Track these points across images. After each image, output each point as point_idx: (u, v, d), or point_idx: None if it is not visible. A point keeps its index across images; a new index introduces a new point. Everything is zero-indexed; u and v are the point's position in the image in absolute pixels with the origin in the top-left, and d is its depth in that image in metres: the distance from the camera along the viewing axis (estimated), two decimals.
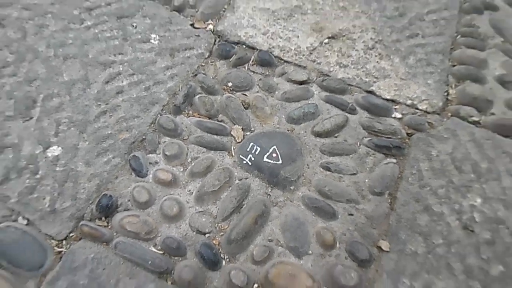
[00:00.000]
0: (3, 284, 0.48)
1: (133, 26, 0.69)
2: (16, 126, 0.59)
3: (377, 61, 0.69)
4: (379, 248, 0.55)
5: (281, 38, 0.70)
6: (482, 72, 0.72)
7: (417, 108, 0.66)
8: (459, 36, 0.77)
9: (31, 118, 0.59)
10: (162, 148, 0.59)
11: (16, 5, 0.70)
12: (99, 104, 0.61)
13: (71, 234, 0.53)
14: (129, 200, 0.55)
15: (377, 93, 0.67)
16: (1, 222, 0.53)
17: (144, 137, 0.60)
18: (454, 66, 0.73)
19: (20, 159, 0.56)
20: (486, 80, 0.72)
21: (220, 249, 0.52)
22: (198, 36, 0.69)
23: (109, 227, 0.53)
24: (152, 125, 0.61)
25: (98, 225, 0.53)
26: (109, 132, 0.59)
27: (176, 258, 0.51)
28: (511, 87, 0.72)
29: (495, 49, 0.77)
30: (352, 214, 0.56)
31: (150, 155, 0.58)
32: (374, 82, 0.67)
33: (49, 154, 0.57)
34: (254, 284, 0.51)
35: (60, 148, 0.57)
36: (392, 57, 0.69)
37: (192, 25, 0.70)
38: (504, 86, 0.71)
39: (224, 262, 0.52)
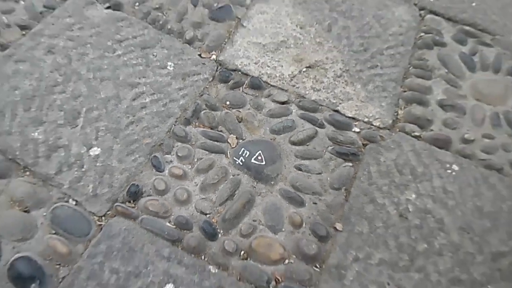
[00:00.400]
0: (60, 245, 0.67)
1: (153, 55, 0.88)
2: (66, 132, 0.77)
3: (343, 87, 0.88)
4: (335, 228, 0.73)
5: (268, 67, 0.89)
6: (427, 97, 0.91)
7: (372, 125, 0.85)
8: (411, 68, 0.95)
9: (77, 125, 0.78)
10: (175, 151, 0.78)
11: (62, 36, 0.89)
12: (128, 116, 0.80)
13: (108, 212, 0.71)
14: (150, 189, 0.73)
15: (342, 112, 0.85)
16: (57, 202, 0.72)
17: (162, 142, 0.78)
18: (404, 92, 0.91)
19: (70, 156, 0.75)
20: (429, 103, 0.91)
21: (217, 226, 0.71)
22: (204, 64, 0.88)
23: (136, 208, 0.72)
24: (168, 133, 0.79)
25: (128, 206, 0.72)
26: (136, 137, 0.78)
27: (185, 231, 0.70)
28: (448, 109, 0.91)
29: (440, 78, 0.95)
30: (316, 203, 0.74)
31: (166, 155, 0.77)
32: (340, 103, 0.85)
33: (91, 153, 0.75)
34: (241, 251, 0.70)
35: (99, 149, 0.76)
36: (355, 84, 0.88)
37: (199, 55, 0.89)
38: (443, 108, 0.90)
39: (219, 235, 0.70)
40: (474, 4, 1.08)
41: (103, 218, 0.70)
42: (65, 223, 0.68)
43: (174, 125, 0.80)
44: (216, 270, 0.67)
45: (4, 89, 0.79)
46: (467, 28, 1.03)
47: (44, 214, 0.69)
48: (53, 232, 0.68)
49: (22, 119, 0.77)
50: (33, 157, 0.73)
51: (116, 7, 0.94)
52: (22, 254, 0.65)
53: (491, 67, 0.97)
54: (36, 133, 0.75)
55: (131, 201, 0.71)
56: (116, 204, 0.71)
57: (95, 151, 0.75)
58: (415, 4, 1.05)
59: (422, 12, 1.05)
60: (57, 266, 0.66)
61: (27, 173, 0.73)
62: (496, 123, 0.88)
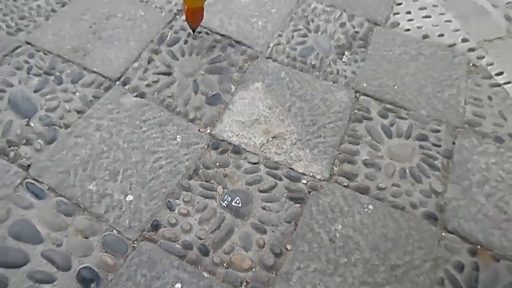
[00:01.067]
0: (109, 259, 1.03)
1: (167, 130, 1.28)
2: (110, 185, 1.16)
3: (297, 151, 1.27)
4: (286, 248, 1.09)
5: (245, 137, 1.29)
6: (355, 158, 1.30)
7: (315, 178, 1.23)
8: (345, 136, 1.35)
9: (117, 180, 1.16)
10: (182, 197, 1.16)
11: (106, 118, 1.29)
12: (151, 174, 1.18)
13: (138, 238, 1.08)
14: (166, 222, 1.10)
15: (295, 169, 1.24)
16: (105, 232, 1.09)
17: (173, 191, 1.17)
18: (339, 154, 1.31)
19: (113, 201, 1.13)
20: (356, 162, 1.30)
21: (209, 247, 1.07)
22: (202, 136, 1.28)
23: (156, 235, 1.08)
24: (177, 185, 1.18)
25: (151, 234, 1.09)
26: (156, 188, 1.16)
27: (188, 250, 1.06)
28: (369, 166, 1.29)
29: (365, 144, 1.35)
30: (274, 232, 1.11)
31: (176, 200, 1.15)
32: (294, 163, 1.25)
33: (127, 199, 1.13)
34: (224, 263, 1.05)
35: (132, 196, 1.14)
36: (305, 149, 1.28)
37: (198, 130, 1.29)
38: (366, 165, 1.29)
39: (211, 253, 1.06)
40: (396, 87, 1.50)
41: (135, 242, 1.07)
42: (111, 245, 1.05)
43: (181, 180, 1.18)
44: (208, 275, 1.03)
45: (69, 156, 1.19)
46: (389, 105, 1.44)
47: (97, 239, 1.06)
48: (104, 251, 1.05)
49: (81, 177, 1.16)
50: (89, 202, 1.12)
51: (141, 95, 1.35)
52: (85, 265, 1.02)
53: (403, 134, 1.37)
54: (91, 186, 1.14)
55: (153, 231, 1.09)
56: (143, 232, 1.08)
57: (130, 197, 1.13)
58: (353, 88, 1.48)
59: (357, 94, 1.46)
60: (107, 273, 1.02)
61: (86, 212, 1.11)
62: (402, 176, 1.27)
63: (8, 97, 1.28)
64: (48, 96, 1.29)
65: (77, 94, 1.31)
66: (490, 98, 1.50)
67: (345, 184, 1.21)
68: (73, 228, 1.05)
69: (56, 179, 1.13)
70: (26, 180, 1.12)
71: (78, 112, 1.27)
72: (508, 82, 1.58)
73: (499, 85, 1.56)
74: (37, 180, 1.12)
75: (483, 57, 1.65)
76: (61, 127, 1.23)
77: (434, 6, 1.82)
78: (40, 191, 1.10)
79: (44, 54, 1.39)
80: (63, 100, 1.29)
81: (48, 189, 1.11)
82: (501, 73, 1.60)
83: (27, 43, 1.42)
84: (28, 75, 1.33)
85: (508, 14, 1.87)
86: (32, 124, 1.23)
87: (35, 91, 1.30)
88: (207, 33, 1.52)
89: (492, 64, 1.63)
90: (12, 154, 1.16)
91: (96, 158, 1.17)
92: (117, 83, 1.35)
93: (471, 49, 1.67)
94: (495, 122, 1.43)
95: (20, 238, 1.02)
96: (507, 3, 1.94)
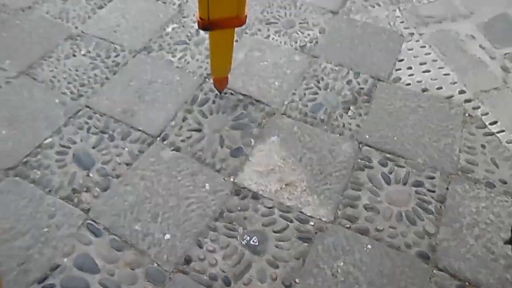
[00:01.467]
0: (150, 287, 1.29)
1: (198, 179, 1.54)
2: (152, 225, 1.42)
3: (306, 197, 1.50)
4: (295, 281, 1.29)
5: (263, 185, 1.52)
6: (356, 203, 1.50)
7: (321, 220, 1.44)
8: (349, 183, 1.57)
9: (157, 222, 1.42)
10: (209, 237, 1.40)
11: (148, 169, 1.57)
12: (184, 216, 1.44)
13: (174, 270, 1.32)
14: (196, 258, 1.35)
15: (304, 213, 1.46)
16: (148, 265, 1.34)
17: (202, 231, 1.41)
18: (343, 199, 1.52)
19: (154, 239, 1.38)
20: (358, 206, 1.50)
21: (231, 278, 1.30)
22: (226, 184, 1.53)
23: (188, 268, 1.32)
24: (205, 226, 1.43)
25: (184, 267, 1.33)
26: (188, 229, 1.41)
27: (213, 281, 1.28)
28: (369, 210, 1.49)
29: (366, 190, 1.55)
30: (285, 267, 1.33)
31: (204, 239, 1.38)
32: (303, 207, 1.46)
33: (166, 237, 1.37)
34: None
35: (169, 235, 1.38)
36: (313, 195, 1.50)
37: (223, 179, 1.55)
38: (366, 209, 1.48)
39: (232, 283, 1.29)
40: (395, 138, 1.70)
41: (172, 273, 1.31)
42: (152, 276, 1.29)
43: (209, 222, 1.43)
44: None
45: (119, 201, 1.47)
46: (388, 155, 1.64)
47: (142, 271, 1.31)
48: (147, 280, 1.28)
49: (129, 218, 1.43)
50: (136, 239, 1.38)
51: (177, 149, 1.63)
52: None
53: (401, 181, 1.56)
54: (137, 226, 1.41)
55: (186, 264, 1.33)
56: (178, 266, 1.32)
57: (167, 236, 1.39)
58: (357, 140, 1.70)
59: (360, 145, 1.68)
60: None
61: (133, 248, 1.37)
62: (399, 219, 1.45)
63: (72, 152, 1.59)
64: (103, 151, 1.60)
65: (126, 149, 1.61)
66: (483, 146, 1.68)
67: (348, 226, 1.41)
68: (122, 261, 1.32)
69: (110, 221, 1.41)
70: (87, 221, 1.40)
71: (127, 164, 1.56)
72: (502, 131, 1.75)
73: (492, 133, 1.73)
74: (95, 221, 1.40)
75: (479, 107, 1.83)
76: (113, 177, 1.52)
77: (434, 60, 2.04)
78: (97, 230, 1.38)
79: (100, 115, 1.71)
80: (115, 154, 1.59)
81: (103, 228, 1.39)
82: (495, 122, 1.78)
83: (87, 106, 1.75)
84: (88, 133, 1.65)
85: (505, 65, 2.05)
86: (91, 175, 1.53)
87: (93, 147, 1.61)
88: (231, 94, 1.81)
89: (487, 113, 1.81)
90: (76, 199, 1.46)
91: (140, 203, 1.45)
92: (158, 139, 1.64)
93: (468, 100, 1.86)
94: (487, 168, 1.60)
95: (82, 268, 1.29)
96: (505, 54, 2.13)
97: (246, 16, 1.25)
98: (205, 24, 1.21)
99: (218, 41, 1.39)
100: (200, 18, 1.19)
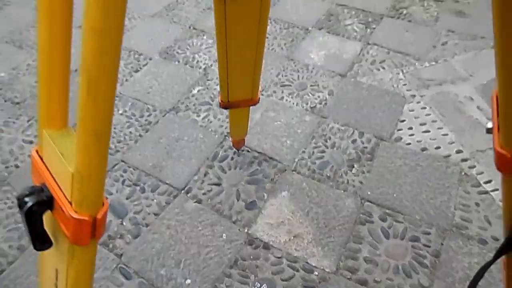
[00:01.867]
0: None
1: (216, 230, 1.76)
2: (175, 271, 1.62)
3: (311, 248, 1.67)
4: None
5: (273, 236, 1.72)
6: (357, 255, 1.67)
7: (324, 270, 1.61)
8: (351, 237, 1.74)
9: (180, 268, 1.63)
10: (225, 283, 1.59)
11: (173, 219, 1.80)
12: (203, 263, 1.64)
13: None
14: None
15: (309, 263, 1.62)
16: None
17: (218, 278, 1.60)
18: (345, 251, 1.69)
19: (176, 284, 1.59)
20: (358, 259, 1.67)
21: None
22: (241, 235, 1.74)
23: None
24: (221, 273, 1.62)
25: None
26: (207, 275, 1.61)
27: None
28: (368, 262, 1.65)
29: (366, 243, 1.72)
30: None
31: (220, 284, 1.58)
32: (309, 258, 1.64)
33: (186, 282, 1.58)
34: None
35: (190, 280, 1.59)
36: (318, 247, 1.68)
37: (239, 229, 1.76)
38: (366, 262, 1.64)
39: None
40: (395, 195, 1.88)
41: None
42: None
43: (225, 269, 1.62)
44: None
45: (148, 248, 1.69)
46: (388, 211, 1.82)
47: None
48: None
49: (155, 264, 1.64)
50: (161, 283, 1.58)
51: (199, 202, 1.86)
52: None
53: (399, 236, 1.72)
54: (162, 271, 1.61)
55: None
56: None
57: (188, 281, 1.58)
58: (359, 196, 1.88)
59: (362, 201, 1.86)
60: None
61: None
62: (395, 271, 1.61)
63: (109, 202, 1.84)
64: (135, 202, 1.84)
65: (155, 200, 1.85)
66: (477, 204, 1.83)
67: (348, 277, 1.58)
68: None
69: (139, 265, 1.62)
70: (119, 265, 1.62)
71: (155, 214, 1.79)
72: (496, 190, 1.90)
73: (486, 192, 1.88)
74: (126, 266, 1.62)
75: (474, 167, 2.00)
76: (143, 226, 1.75)
77: (433, 121, 2.24)
78: (128, 274, 1.59)
79: (133, 169, 1.97)
80: (145, 205, 1.83)
81: (133, 272, 1.60)
82: (489, 181, 1.94)
83: (122, 161, 2.02)
84: (122, 186, 1.91)
85: None
86: (124, 223, 1.76)
87: (126, 198, 1.86)
88: (247, 151, 2.05)
89: (482, 173, 1.97)
90: (111, 245, 1.69)
91: (166, 250, 1.66)
92: (182, 192, 1.88)
93: (464, 159, 2.03)
94: (481, 226, 1.74)
95: None
96: None
97: (259, 98, 1.51)
98: (225, 105, 1.48)
99: (236, 115, 1.67)
100: (221, 100, 1.46)
